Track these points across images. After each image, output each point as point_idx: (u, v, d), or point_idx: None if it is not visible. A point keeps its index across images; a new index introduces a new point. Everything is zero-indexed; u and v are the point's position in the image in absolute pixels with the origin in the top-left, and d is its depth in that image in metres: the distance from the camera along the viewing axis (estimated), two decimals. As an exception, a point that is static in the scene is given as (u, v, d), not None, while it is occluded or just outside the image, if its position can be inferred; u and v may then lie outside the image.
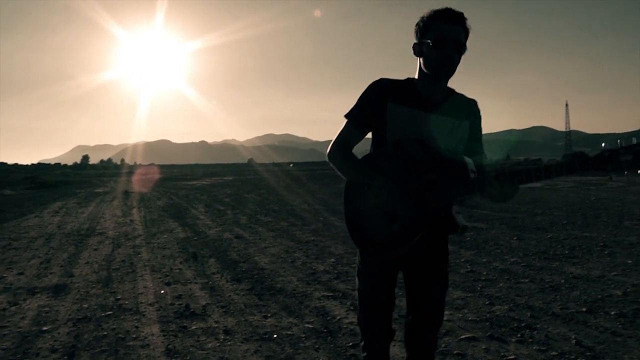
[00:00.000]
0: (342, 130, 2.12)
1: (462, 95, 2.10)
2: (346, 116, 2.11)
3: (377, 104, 2.04)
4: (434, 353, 2.29)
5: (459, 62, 1.95)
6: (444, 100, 2.04)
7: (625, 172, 1.65)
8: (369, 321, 2.28)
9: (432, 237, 2.07)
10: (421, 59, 1.99)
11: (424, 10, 1.97)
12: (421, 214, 1.94)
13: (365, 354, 2.33)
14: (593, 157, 1.70)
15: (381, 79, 2.07)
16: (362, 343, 2.34)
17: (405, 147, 2.00)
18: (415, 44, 2.01)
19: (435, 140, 2.01)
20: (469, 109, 2.09)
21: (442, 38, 1.89)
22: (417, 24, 1.99)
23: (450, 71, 1.96)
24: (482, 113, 2.15)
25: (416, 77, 2.06)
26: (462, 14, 1.92)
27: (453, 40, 1.90)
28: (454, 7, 1.92)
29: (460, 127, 2.06)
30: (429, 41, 1.91)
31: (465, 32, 1.94)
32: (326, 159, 2.15)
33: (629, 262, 5.97)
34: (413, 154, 1.99)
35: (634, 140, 1.61)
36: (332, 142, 2.14)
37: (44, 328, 3.98)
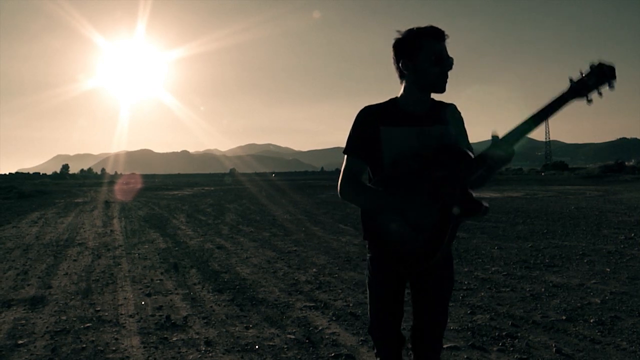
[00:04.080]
0: (345, 166, 2.16)
1: (440, 102, 2.19)
2: (345, 152, 2.17)
3: (370, 130, 2.11)
4: (439, 355, 2.31)
5: None
6: (428, 112, 2.12)
7: (598, 91, 1.82)
8: (380, 329, 2.29)
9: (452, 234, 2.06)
10: (413, 76, 2.07)
11: (400, 29, 2.06)
12: (443, 213, 1.96)
13: None
14: (568, 91, 1.86)
15: (367, 107, 2.14)
16: (375, 351, 2.34)
17: (402, 163, 2.06)
18: (403, 62, 2.07)
19: (427, 149, 2.08)
20: (450, 113, 2.18)
21: (440, 55, 2.01)
22: (403, 43, 2.06)
23: (446, 84, 2.07)
24: (465, 123, 2.28)
25: (399, 96, 2.14)
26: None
27: (448, 56, 2.03)
28: (435, 24, 2.02)
29: (448, 132, 2.14)
30: (432, 57, 2.01)
31: None
32: (338, 195, 2.17)
33: (608, 270, 6.06)
34: (410, 166, 2.05)
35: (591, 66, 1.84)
36: (339, 180, 2.16)
37: (20, 342, 3.90)
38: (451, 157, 2.02)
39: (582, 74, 1.84)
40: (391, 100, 2.16)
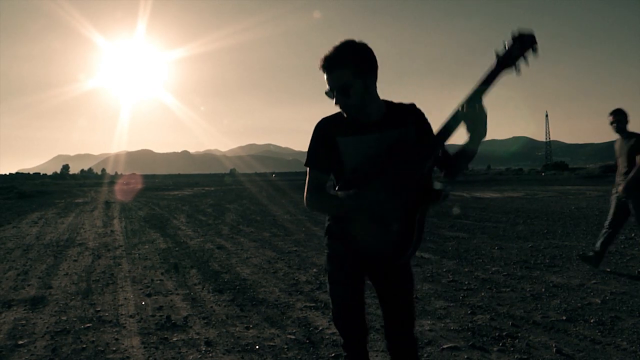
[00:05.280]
0: (308, 179, 2.21)
1: (399, 105, 2.22)
2: (306, 165, 2.22)
3: (327, 143, 2.15)
4: (415, 350, 2.34)
5: (359, 92, 2.04)
6: (383, 117, 2.15)
7: (524, 58, 1.88)
8: (343, 323, 2.41)
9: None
10: None
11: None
12: (404, 199, 2.03)
13: (345, 353, 2.46)
14: (497, 65, 1.90)
15: (323, 119, 2.20)
16: (342, 342, 2.45)
17: (362, 170, 2.12)
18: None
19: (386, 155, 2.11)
20: (410, 115, 2.19)
21: (329, 88, 2.06)
22: None
23: (353, 108, 2.07)
24: (437, 115, 2.28)
25: None
26: (334, 56, 2.01)
27: (337, 88, 2.03)
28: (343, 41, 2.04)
29: (407, 133, 2.16)
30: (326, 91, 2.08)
31: (349, 69, 2.01)
32: (305, 207, 2.25)
33: (608, 270, 6.06)
34: (370, 172, 2.10)
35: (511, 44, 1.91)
36: (305, 192, 2.23)
37: (20, 342, 3.90)
38: (403, 150, 2.07)
39: (505, 46, 1.89)
40: None
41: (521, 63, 1.89)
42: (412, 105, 2.22)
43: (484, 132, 1.98)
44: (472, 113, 1.94)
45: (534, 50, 1.87)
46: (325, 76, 2.05)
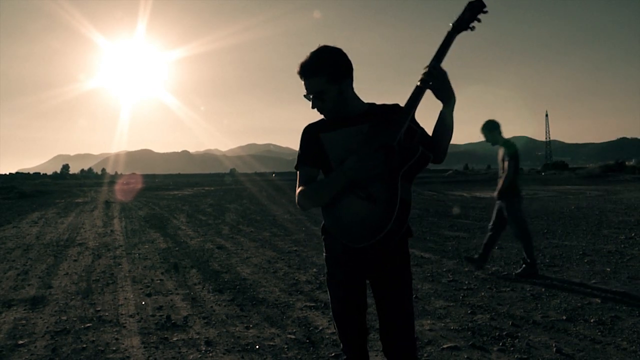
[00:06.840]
0: (299, 177, 2.26)
1: (383, 105, 2.27)
2: (296, 167, 2.29)
3: (313, 141, 2.23)
4: (414, 355, 2.30)
5: (334, 98, 2.15)
6: (364, 113, 2.22)
7: (477, 20, 2.08)
8: (343, 326, 2.37)
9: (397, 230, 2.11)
10: None
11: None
12: (387, 166, 2.06)
13: (345, 357, 2.42)
14: (452, 29, 2.10)
15: (307, 125, 2.31)
16: (341, 346, 2.41)
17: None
18: None
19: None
20: (391, 112, 2.20)
21: (306, 94, 2.17)
22: None
23: (328, 112, 2.21)
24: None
25: None
26: (310, 64, 2.12)
27: (313, 94, 2.15)
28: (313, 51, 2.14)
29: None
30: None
31: (324, 76, 2.12)
32: (298, 207, 2.26)
33: (608, 269, 6.06)
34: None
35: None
36: (296, 194, 2.25)
37: (20, 342, 3.90)
38: (380, 132, 2.13)
39: (457, 15, 2.10)
40: None
41: (474, 23, 2.09)
42: (397, 105, 2.25)
43: (452, 93, 2.08)
44: (436, 73, 2.04)
45: (484, 12, 2.07)
46: (302, 81, 2.16)
